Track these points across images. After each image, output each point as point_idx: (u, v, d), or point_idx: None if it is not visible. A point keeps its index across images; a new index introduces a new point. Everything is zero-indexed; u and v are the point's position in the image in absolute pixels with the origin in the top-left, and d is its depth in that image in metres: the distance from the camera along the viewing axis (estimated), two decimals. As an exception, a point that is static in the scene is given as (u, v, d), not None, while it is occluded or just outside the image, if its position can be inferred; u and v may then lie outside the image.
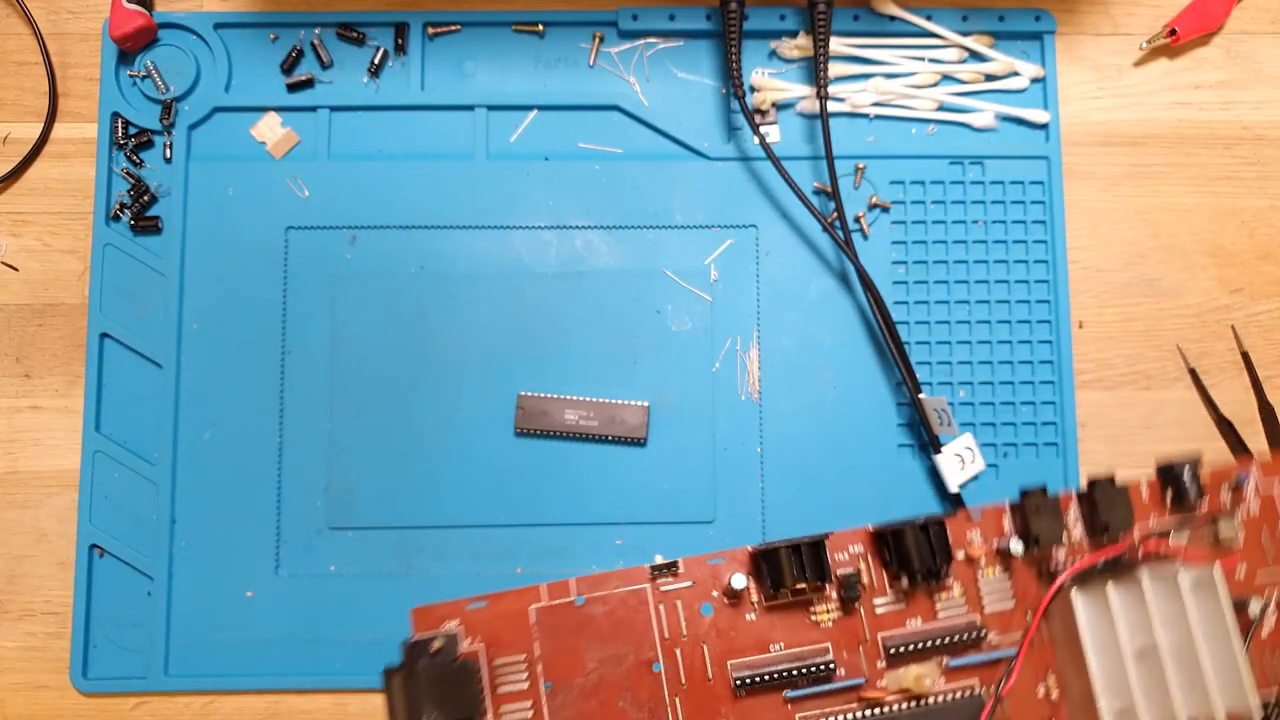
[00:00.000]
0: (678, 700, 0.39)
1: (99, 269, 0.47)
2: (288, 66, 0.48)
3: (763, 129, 0.48)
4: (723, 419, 0.46)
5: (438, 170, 0.47)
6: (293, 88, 0.48)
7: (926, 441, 0.46)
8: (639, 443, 0.46)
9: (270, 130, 0.48)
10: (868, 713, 0.39)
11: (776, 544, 0.38)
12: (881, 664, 0.39)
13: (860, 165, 0.48)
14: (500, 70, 0.48)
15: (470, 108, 0.48)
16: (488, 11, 0.48)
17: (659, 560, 0.39)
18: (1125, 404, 0.48)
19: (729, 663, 0.39)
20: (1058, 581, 0.39)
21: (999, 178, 0.48)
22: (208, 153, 0.48)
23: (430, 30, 0.48)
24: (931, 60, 0.48)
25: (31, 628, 0.46)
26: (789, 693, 0.39)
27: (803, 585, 0.38)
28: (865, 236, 0.48)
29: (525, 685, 0.38)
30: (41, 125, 0.48)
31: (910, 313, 0.47)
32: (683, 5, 0.48)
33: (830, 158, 0.46)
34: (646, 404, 0.46)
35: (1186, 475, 0.40)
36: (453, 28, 0.48)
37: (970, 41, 0.48)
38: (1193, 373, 0.48)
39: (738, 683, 0.38)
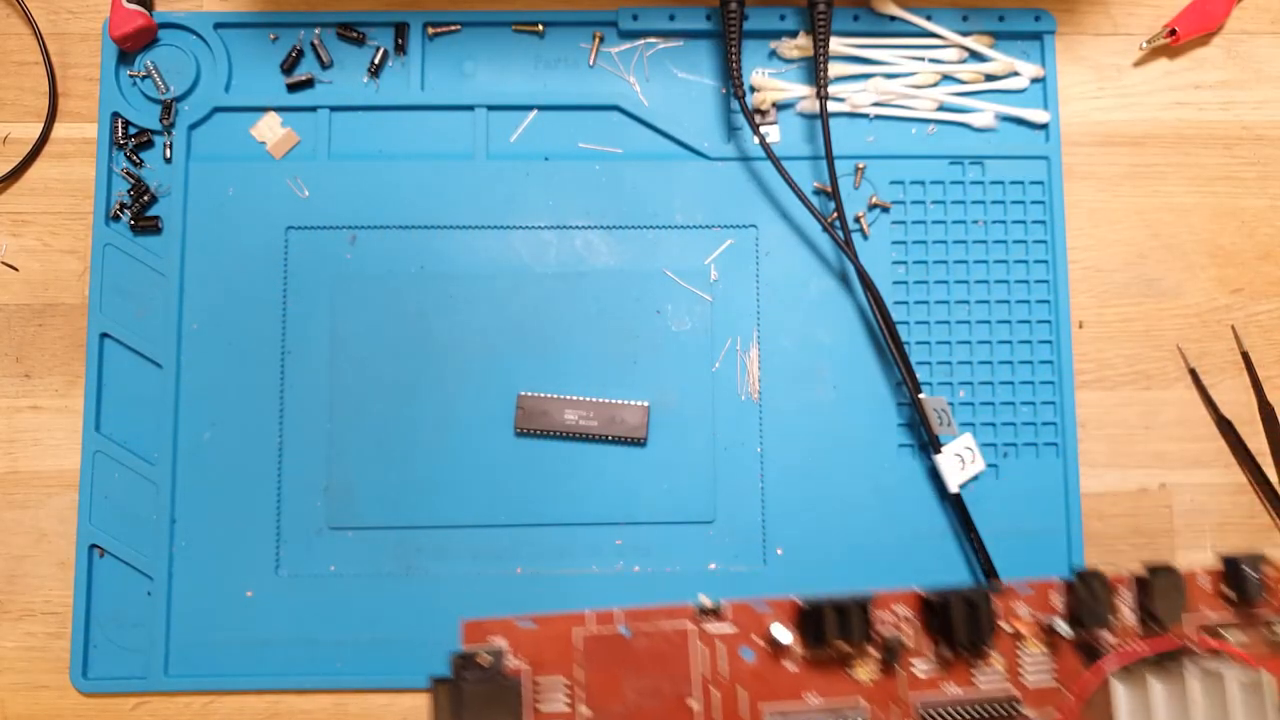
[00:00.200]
0: (712, 739, 0.38)
1: (99, 269, 0.47)
2: (288, 66, 0.48)
3: (763, 129, 0.48)
4: (723, 419, 0.46)
5: (438, 170, 0.47)
6: (293, 88, 0.48)
7: (926, 441, 0.46)
8: (639, 443, 0.46)
9: (270, 130, 0.48)
10: None
11: (822, 600, 0.37)
12: None
13: (860, 165, 0.48)
14: (500, 70, 0.48)
15: (470, 108, 0.48)
16: (488, 11, 0.48)
17: (705, 602, 0.39)
18: (1125, 404, 0.48)
19: (763, 706, 0.39)
20: (1103, 672, 0.38)
21: (999, 178, 0.48)
22: (208, 153, 0.48)
23: (430, 30, 0.48)
24: (931, 60, 0.48)
25: (31, 628, 0.46)
26: None
27: (845, 643, 0.37)
28: (865, 236, 0.48)
29: (566, 708, 0.38)
30: (41, 125, 0.48)
31: (910, 313, 0.47)
32: (683, 5, 0.48)
33: (830, 158, 0.46)
34: (646, 404, 0.46)
35: (1249, 570, 0.38)
36: (453, 28, 0.48)
37: (970, 41, 0.48)
38: (1193, 373, 0.48)
39: (772, 728, 0.38)
